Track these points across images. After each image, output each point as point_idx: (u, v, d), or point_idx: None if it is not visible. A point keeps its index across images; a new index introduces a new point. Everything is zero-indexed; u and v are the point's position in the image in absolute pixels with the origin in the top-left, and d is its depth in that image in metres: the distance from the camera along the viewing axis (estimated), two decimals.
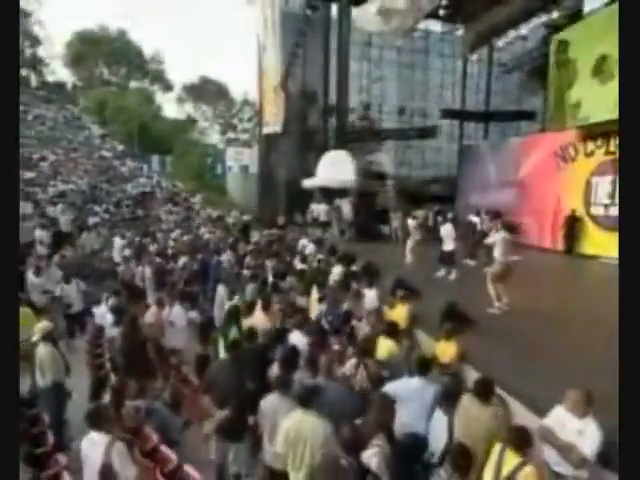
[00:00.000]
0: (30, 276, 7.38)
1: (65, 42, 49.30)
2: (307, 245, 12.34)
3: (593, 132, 11.77)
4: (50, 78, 51.54)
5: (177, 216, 16.33)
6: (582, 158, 12.38)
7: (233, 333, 4.53)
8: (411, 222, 11.10)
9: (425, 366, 3.54)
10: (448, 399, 3.18)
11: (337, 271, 8.47)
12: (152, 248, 11.28)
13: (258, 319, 5.20)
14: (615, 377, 2.32)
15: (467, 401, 2.96)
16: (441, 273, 8.76)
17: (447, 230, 8.72)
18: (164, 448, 3.72)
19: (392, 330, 4.57)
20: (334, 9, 18.72)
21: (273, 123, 18.12)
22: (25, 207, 12.55)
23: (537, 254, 12.52)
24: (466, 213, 17.00)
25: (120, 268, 9.16)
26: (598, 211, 11.73)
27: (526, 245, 13.85)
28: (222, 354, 4.36)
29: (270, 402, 3.26)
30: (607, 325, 4.55)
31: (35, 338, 4.15)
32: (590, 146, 12.07)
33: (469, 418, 2.87)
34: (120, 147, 33.83)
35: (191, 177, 28.71)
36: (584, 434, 2.71)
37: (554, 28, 13.98)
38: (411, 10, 11.20)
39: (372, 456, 2.60)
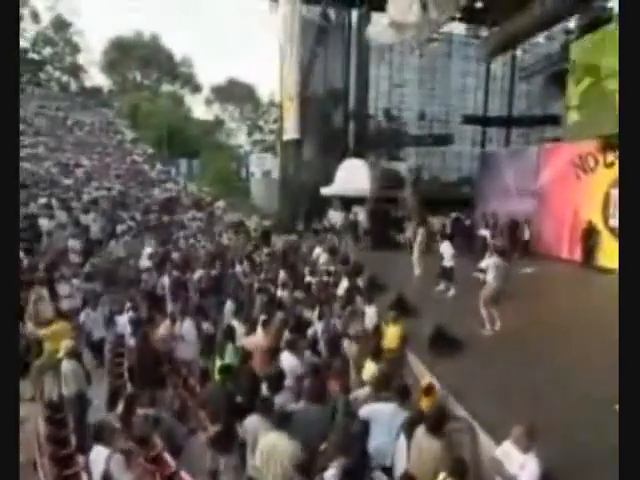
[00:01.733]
0: (60, 285, 8.12)
1: (102, 49, 51.80)
2: (321, 254, 12.77)
3: (613, 142, 11.52)
4: (88, 84, 54.42)
5: (200, 222, 17.11)
6: (602, 169, 12.14)
7: (228, 353, 4.97)
8: (420, 232, 11.22)
9: (405, 393, 3.86)
10: (409, 428, 3.50)
11: (344, 285, 8.86)
12: (174, 255, 11.98)
13: (257, 338, 5.65)
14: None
15: (420, 432, 3.27)
16: (441, 287, 8.97)
17: (445, 247, 8.92)
18: (166, 455, 4.24)
19: (378, 354, 4.88)
20: (354, 15, 19.04)
21: (291, 130, 18.58)
22: (61, 215, 13.58)
23: (552, 265, 12.41)
24: (485, 220, 17.02)
25: (143, 277, 9.86)
26: (617, 224, 11.49)
27: (544, 255, 13.75)
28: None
29: (251, 422, 3.70)
30: (603, 346, 4.56)
31: (60, 354, 4.76)
32: (610, 157, 11.82)
33: (420, 449, 3.19)
34: (150, 150, 35.35)
35: (217, 181, 29.70)
36: (525, 468, 2.98)
37: (581, 32, 13.61)
38: (423, 23, 11.30)
39: (330, 477, 2.97)
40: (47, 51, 54.34)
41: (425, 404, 4.83)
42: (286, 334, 5.84)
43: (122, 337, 7.04)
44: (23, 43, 51.27)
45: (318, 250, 13.51)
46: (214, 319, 7.72)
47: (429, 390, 4.91)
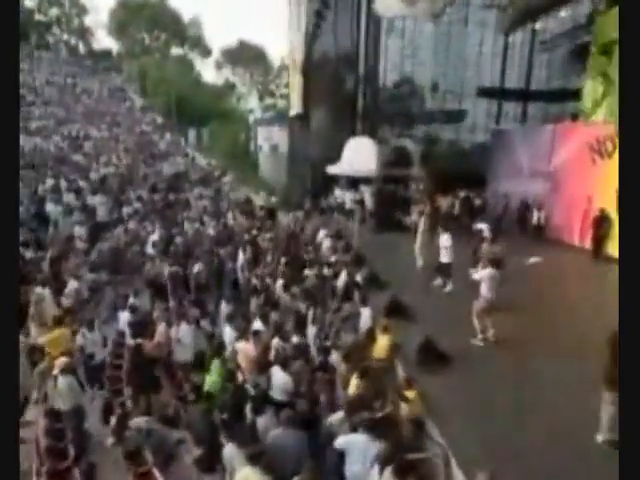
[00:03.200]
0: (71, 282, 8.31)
1: (109, 10, 50.37)
2: (324, 239, 12.70)
3: None
4: (96, 46, 53.39)
5: (207, 201, 17.12)
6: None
7: (216, 371, 5.10)
8: (422, 220, 10.96)
9: (373, 426, 3.96)
10: (382, 464, 3.61)
11: (342, 278, 8.87)
12: (178, 240, 12.10)
13: (248, 348, 5.78)
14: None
15: (387, 473, 3.38)
16: (439, 282, 8.91)
17: (444, 241, 8.72)
18: (155, 471, 4.49)
19: (364, 373, 4.96)
20: None
21: (297, 105, 18.02)
22: (68, 198, 13.73)
23: (560, 254, 12.10)
24: (495, 200, 16.58)
25: (146, 267, 10.03)
26: None
27: (555, 240, 13.42)
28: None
29: (228, 451, 3.88)
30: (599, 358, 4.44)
31: (55, 372, 4.96)
32: None
33: None
34: (159, 120, 34.99)
35: (226, 152, 29.39)
36: None
37: (608, 5, 12.50)
38: None
39: None
40: (53, 12, 53.12)
41: (408, 398, 4.92)
42: (277, 342, 5.97)
43: (123, 335, 7.27)
44: (29, 3, 50.12)
45: (322, 233, 13.45)
46: (212, 317, 7.89)
47: (409, 383, 5.00)
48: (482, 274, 6.28)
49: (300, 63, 17.86)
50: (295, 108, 18.43)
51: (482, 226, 9.55)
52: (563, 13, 13.42)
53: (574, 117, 15.07)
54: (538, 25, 15.48)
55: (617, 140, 11.50)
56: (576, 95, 16.03)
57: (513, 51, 18.27)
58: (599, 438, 4.22)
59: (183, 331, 6.59)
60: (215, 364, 5.08)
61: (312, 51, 18.11)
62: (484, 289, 6.22)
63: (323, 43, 18.64)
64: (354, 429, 4.08)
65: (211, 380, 5.00)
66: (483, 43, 18.87)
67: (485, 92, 18.26)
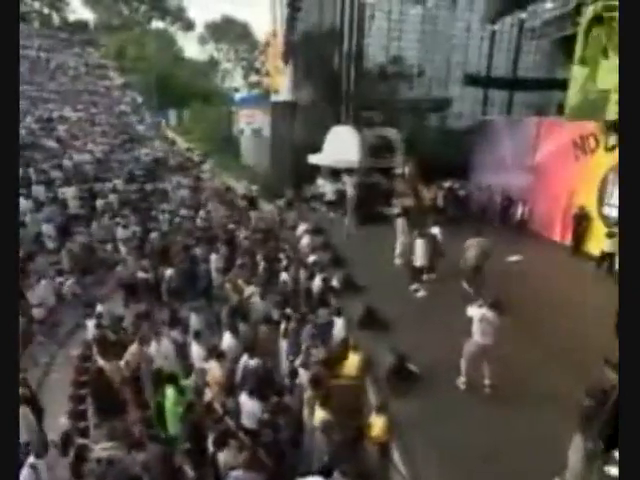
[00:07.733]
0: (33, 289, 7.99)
1: None
2: (304, 236, 12.46)
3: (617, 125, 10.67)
4: (71, 17, 50.63)
5: (185, 191, 16.59)
6: (602, 152, 11.44)
7: (169, 398, 4.94)
8: (400, 221, 10.72)
9: (327, 472, 3.88)
10: None
11: (317, 282, 8.69)
12: (153, 236, 11.74)
13: (213, 368, 5.62)
14: None
15: None
16: (415, 286, 8.78)
17: (419, 245, 8.53)
18: None
19: (326, 402, 4.85)
20: None
21: (281, 91, 17.36)
22: (38, 191, 13.13)
23: (541, 251, 12.03)
24: (479, 192, 16.43)
25: (117, 269, 9.70)
26: (611, 212, 11.04)
27: (537, 234, 13.42)
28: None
29: None
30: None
31: None
32: (612, 140, 11.06)
33: None
34: (139, 99, 33.64)
35: (207, 134, 28.45)
36: None
37: None
38: None
39: None
40: None
41: (375, 426, 4.85)
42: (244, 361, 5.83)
43: (90, 347, 7.03)
44: None
45: (302, 228, 13.23)
46: (184, 325, 7.67)
47: (381, 408, 4.93)
48: (473, 313, 5.36)
49: (283, 44, 17.11)
50: (278, 91, 17.75)
51: (435, 231, 9.27)
52: (549, 4, 12.95)
53: (560, 107, 14.81)
54: (524, 14, 14.97)
55: (600, 137, 11.39)
56: (563, 85, 15.74)
57: (501, 36, 17.75)
58: None
59: (165, 347, 6.38)
60: (169, 395, 4.90)
61: (296, 32, 17.36)
62: (476, 334, 5.37)
63: (307, 25, 17.88)
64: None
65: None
66: (471, 28, 18.30)
67: (471, 80, 17.81)
